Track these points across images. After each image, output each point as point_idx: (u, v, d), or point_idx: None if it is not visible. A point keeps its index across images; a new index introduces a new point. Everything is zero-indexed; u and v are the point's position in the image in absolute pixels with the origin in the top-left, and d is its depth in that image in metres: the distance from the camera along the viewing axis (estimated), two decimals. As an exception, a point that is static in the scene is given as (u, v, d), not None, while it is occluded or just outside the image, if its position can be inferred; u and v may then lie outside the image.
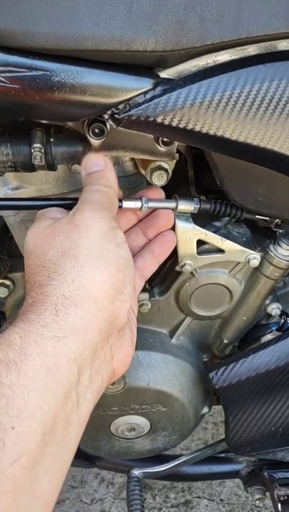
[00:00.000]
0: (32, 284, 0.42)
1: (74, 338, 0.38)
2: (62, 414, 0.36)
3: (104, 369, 0.42)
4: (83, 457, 0.87)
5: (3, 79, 0.42)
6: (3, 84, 0.42)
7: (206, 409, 0.76)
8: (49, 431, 0.35)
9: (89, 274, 0.41)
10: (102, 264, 0.42)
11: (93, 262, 0.42)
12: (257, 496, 0.81)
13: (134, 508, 0.71)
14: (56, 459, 0.36)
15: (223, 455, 0.84)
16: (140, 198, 0.55)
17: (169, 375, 0.70)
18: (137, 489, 0.73)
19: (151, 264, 0.57)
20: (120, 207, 0.55)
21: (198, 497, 1.21)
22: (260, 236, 0.65)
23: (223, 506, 1.19)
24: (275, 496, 0.76)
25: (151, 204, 0.56)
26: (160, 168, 0.57)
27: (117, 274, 0.43)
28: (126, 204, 0.55)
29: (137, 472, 0.77)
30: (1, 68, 0.42)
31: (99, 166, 0.49)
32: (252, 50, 0.46)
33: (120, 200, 0.55)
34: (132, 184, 0.63)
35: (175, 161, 0.57)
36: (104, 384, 0.43)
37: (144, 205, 0.55)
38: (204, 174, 0.63)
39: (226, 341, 0.72)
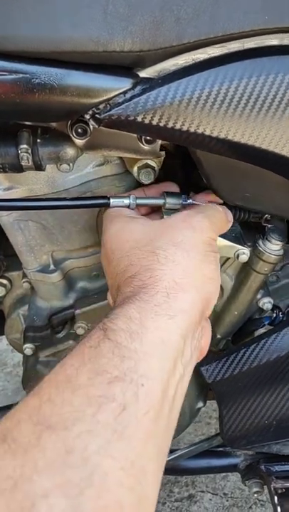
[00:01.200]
0: (139, 268, 0.48)
1: (182, 317, 0.45)
2: (173, 380, 0.41)
3: (197, 346, 0.48)
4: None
5: (-16, 83, 0.43)
6: (-16, 87, 0.43)
7: (200, 404, 0.76)
8: (165, 393, 0.40)
9: (197, 267, 0.49)
10: (207, 262, 0.50)
11: (199, 258, 0.50)
12: (255, 489, 0.82)
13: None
14: (169, 421, 0.40)
15: (221, 449, 0.84)
16: (128, 196, 0.56)
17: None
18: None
19: None
20: (108, 205, 0.56)
21: (202, 491, 1.22)
22: (251, 231, 0.66)
23: (227, 500, 1.20)
24: (272, 488, 0.77)
25: (139, 201, 0.57)
26: (147, 166, 0.57)
27: (215, 273, 0.51)
28: (114, 202, 0.56)
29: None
30: (-18, 72, 0.43)
31: (228, 219, 0.58)
32: (230, 47, 0.46)
33: (108, 198, 0.56)
34: (121, 183, 0.64)
35: (162, 158, 0.58)
36: (196, 360, 0.49)
37: (132, 202, 0.56)
38: (191, 171, 0.64)
39: (219, 336, 0.72)
